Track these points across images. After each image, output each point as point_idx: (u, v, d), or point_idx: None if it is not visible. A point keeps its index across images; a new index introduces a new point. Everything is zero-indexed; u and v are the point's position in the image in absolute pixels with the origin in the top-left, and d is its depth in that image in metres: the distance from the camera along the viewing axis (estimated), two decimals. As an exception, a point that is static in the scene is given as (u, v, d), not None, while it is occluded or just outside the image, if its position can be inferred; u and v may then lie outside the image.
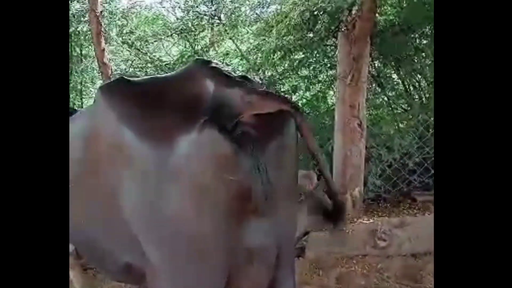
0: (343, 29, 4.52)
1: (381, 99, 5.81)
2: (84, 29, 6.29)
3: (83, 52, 6.54)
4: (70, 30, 6.29)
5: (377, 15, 4.63)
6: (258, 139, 1.56)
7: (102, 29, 5.51)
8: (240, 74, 2.15)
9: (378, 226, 3.83)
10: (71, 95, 6.47)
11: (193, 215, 1.59)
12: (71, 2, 6.35)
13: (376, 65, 5.50)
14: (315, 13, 4.95)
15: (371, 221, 4.08)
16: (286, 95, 5.14)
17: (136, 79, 1.80)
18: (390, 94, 5.63)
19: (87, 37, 6.24)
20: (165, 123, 1.58)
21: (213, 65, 1.71)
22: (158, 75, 2.39)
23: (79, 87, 6.55)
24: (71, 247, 3.25)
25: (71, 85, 6.38)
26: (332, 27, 5.00)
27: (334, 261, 3.68)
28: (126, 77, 1.78)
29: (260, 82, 5.35)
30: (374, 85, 5.58)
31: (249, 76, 2.00)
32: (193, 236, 1.60)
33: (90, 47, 6.28)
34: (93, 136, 1.79)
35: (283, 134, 1.70)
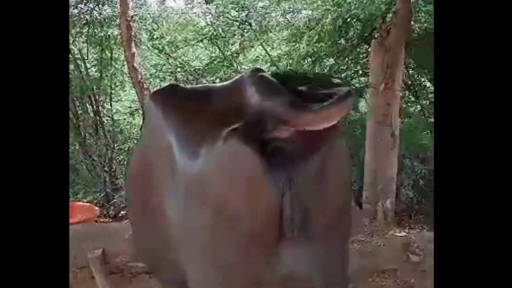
0: (376, 36, 4.43)
1: (414, 108, 5.68)
2: (115, 33, 6.33)
3: (114, 56, 6.57)
4: (101, 34, 6.35)
5: (412, 22, 4.52)
6: (295, 156, 1.38)
7: (133, 34, 5.52)
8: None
9: (411, 240, 3.69)
10: (101, 99, 6.52)
11: (214, 238, 1.47)
12: (102, 6, 6.42)
13: (410, 73, 5.37)
14: (348, 20, 4.88)
15: (404, 234, 3.95)
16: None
17: (187, 86, 1.75)
18: (424, 103, 5.49)
19: (117, 41, 6.27)
20: (202, 130, 1.48)
21: (262, 73, 1.54)
22: (211, 84, 2.29)
23: (108, 91, 6.58)
24: (98, 252, 3.25)
25: (101, 88, 6.43)
26: (365, 34, 4.92)
27: (364, 274, 3.56)
28: (177, 84, 1.75)
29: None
30: (407, 93, 5.46)
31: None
32: (218, 261, 1.49)
33: (120, 51, 6.32)
34: (146, 142, 1.79)
35: (330, 152, 1.47)
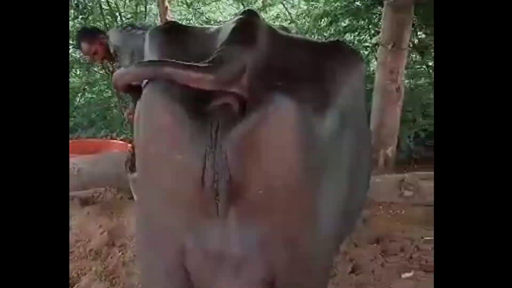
0: (388, -2, 4.77)
1: (419, 68, 6.04)
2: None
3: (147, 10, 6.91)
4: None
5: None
6: (226, 121, 1.15)
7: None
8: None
9: (405, 178, 4.14)
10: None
11: (141, 193, 1.46)
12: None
13: (417, 34, 5.73)
14: (364, -19, 5.23)
15: (399, 174, 4.36)
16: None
17: (186, 25, 1.59)
18: (429, 63, 5.85)
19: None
20: None
21: (249, 17, 1.33)
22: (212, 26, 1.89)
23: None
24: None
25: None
26: (379, -4, 5.25)
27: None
28: (176, 22, 1.61)
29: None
30: (415, 54, 5.81)
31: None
32: (144, 217, 1.45)
33: (154, 5, 6.67)
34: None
35: (269, 119, 1.13)
